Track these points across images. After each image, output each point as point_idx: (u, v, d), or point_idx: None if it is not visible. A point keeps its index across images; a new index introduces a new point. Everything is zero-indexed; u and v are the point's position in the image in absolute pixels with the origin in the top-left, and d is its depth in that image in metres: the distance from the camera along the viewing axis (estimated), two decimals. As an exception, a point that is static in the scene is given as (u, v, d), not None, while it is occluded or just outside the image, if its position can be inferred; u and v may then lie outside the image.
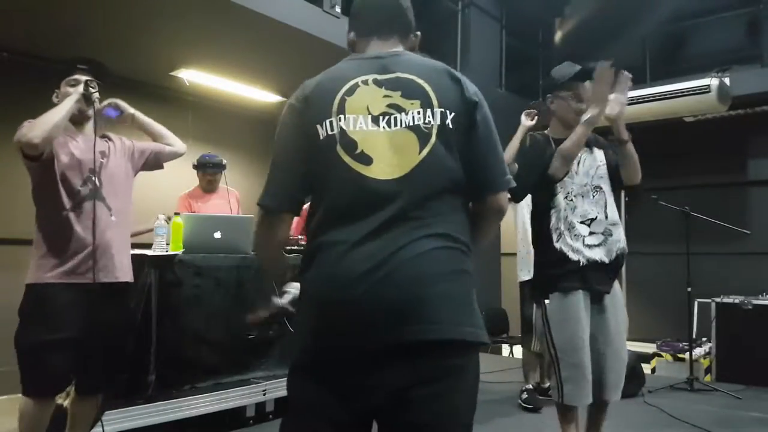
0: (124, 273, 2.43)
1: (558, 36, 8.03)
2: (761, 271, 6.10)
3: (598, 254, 2.34)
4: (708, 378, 5.08)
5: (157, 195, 4.26)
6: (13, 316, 2.25)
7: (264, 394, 3.18)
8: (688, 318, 4.47)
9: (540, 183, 2.39)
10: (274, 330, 1.72)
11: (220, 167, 4.24)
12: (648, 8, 6.84)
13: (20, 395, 2.23)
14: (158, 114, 5.89)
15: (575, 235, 2.36)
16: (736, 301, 4.93)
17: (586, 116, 2.29)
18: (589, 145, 2.46)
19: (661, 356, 5.60)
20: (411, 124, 1.23)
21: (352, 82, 1.26)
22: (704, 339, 5.57)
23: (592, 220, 2.37)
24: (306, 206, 1.34)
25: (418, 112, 1.23)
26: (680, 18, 7.00)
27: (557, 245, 2.36)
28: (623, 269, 7.47)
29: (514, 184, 1.36)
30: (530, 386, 3.92)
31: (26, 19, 4.11)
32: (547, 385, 3.96)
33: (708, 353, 5.33)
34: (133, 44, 4.64)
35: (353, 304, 1.15)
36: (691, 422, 3.39)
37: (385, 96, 1.25)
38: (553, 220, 2.39)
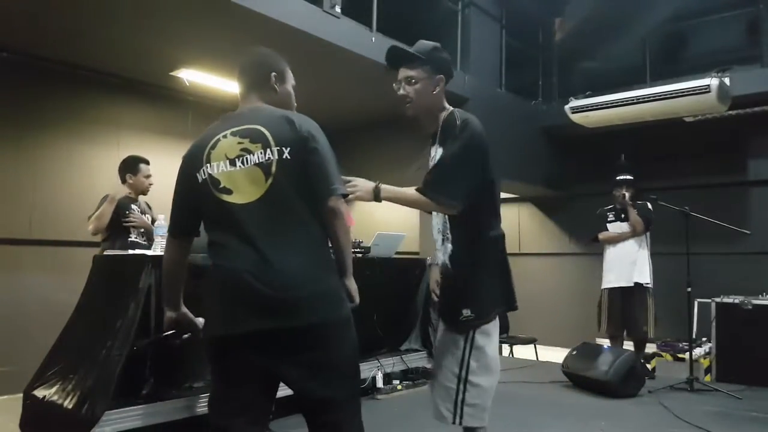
0: None
1: (558, 36, 8.04)
2: (761, 271, 6.09)
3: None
4: (708, 378, 5.08)
5: (159, 196, 4.26)
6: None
7: (264, 394, 3.18)
8: (688, 318, 4.46)
9: None
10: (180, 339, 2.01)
11: None
12: (647, 8, 6.85)
13: None
14: (158, 114, 5.92)
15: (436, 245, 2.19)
16: (736, 301, 4.92)
17: None
18: (434, 139, 2.11)
19: (661, 356, 5.60)
20: (257, 161, 1.69)
21: (215, 139, 1.75)
22: (704, 339, 5.56)
23: (439, 229, 2.13)
24: None
25: (261, 152, 1.69)
26: (680, 18, 7.00)
27: None
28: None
29: (342, 191, 1.74)
30: None
31: (26, 19, 4.11)
32: None
33: (708, 353, 5.32)
34: (133, 44, 4.64)
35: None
36: (691, 422, 3.38)
37: (239, 143, 1.71)
38: None
